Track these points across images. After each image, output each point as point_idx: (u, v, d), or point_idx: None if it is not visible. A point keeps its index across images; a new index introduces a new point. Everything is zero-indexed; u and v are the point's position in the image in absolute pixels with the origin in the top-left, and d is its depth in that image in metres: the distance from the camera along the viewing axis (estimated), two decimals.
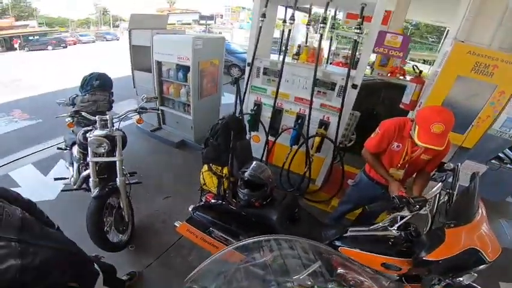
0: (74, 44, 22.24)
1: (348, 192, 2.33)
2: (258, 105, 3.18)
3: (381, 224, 1.68)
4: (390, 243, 1.61)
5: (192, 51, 3.37)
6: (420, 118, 1.61)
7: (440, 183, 1.61)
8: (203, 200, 2.02)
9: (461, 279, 1.37)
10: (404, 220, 1.56)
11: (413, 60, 15.13)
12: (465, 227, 1.36)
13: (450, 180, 1.68)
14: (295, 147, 2.99)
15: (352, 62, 2.66)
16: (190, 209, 1.96)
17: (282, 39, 3.42)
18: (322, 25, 2.64)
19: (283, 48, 2.91)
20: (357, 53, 3.50)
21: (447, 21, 7.69)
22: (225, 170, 2.06)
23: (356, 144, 2.89)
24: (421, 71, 2.88)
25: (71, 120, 2.62)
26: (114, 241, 2.22)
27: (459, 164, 1.70)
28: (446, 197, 1.60)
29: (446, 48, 2.51)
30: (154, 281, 2.18)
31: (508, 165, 3.59)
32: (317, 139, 2.85)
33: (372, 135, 1.91)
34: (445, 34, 13.98)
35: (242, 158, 2.00)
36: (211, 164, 2.10)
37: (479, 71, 2.29)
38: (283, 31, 3.02)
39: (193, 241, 2.00)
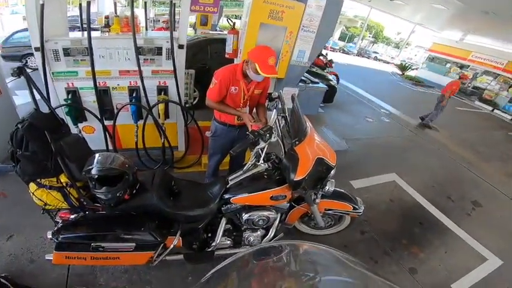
0: None
1: (210, 144, 2.39)
2: (74, 92, 2.50)
3: (248, 162, 1.87)
4: (265, 177, 1.81)
5: None
6: (256, 57, 1.80)
7: (274, 110, 1.95)
8: (59, 221, 1.62)
9: (327, 187, 1.71)
10: (264, 151, 1.79)
11: (226, 17, 16.53)
12: (306, 141, 1.68)
13: (280, 106, 2.03)
14: (140, 122, 2.72)
15: (173, 24, 2.57)
16: (49, 237, 1.56)
17: (81, 14, 2.88)
18: None
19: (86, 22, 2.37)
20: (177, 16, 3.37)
21: None
22: (63, 178, 1.54)
23: (201, 100, 2.95)
24: (234, 23, 3.15)
25: None
26: None
27: (281, 91, 2.12)
28: (283, 121, 1.97)
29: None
30: None
31: (310, 85, 4.96)
32: (161, 106, 2.70)
33: (211, 86, 1.99)
34: None
35: (77, 156, 1.53)
36: (39, 180, 1.52)
37: (273, 17, 2.77)
38: (80, 5, 2.64)
39: (84, 264, 1.76)
